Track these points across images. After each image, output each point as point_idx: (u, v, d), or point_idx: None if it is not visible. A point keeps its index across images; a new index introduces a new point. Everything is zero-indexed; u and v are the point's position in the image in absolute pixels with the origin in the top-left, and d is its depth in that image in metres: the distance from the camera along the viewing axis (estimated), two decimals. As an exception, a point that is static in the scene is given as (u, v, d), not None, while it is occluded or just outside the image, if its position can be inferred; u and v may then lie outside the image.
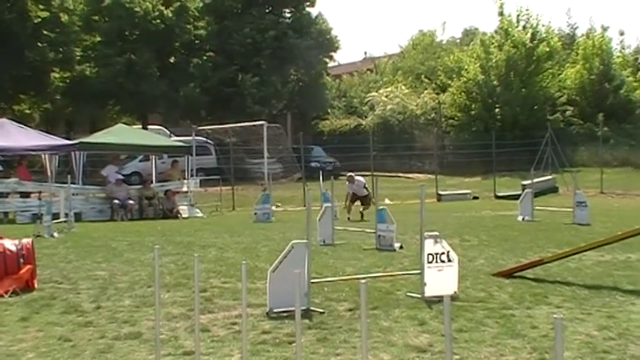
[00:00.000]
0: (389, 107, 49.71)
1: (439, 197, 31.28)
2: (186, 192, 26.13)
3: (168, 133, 41.68)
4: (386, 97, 50.71)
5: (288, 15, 50.03)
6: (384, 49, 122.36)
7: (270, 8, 48.61)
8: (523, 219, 20.60)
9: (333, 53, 53.65)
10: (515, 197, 24.97)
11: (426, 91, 51.99)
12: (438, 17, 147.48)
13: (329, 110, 54.30)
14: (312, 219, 9.36)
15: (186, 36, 46.12)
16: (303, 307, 8.38)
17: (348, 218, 21.65)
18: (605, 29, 54.26)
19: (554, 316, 3.81)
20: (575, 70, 51.00)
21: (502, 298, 9.30)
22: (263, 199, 22.36)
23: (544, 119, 42.92)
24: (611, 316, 8.30)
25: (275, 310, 8.34)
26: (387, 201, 27.22)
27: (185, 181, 26.63)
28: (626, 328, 7.73)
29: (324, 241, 15.17)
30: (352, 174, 23.70)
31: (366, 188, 23.04)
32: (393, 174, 41.20)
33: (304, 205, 18.72)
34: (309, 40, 48.28)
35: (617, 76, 49.81)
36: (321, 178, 24.10)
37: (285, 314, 8.14)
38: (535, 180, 25.42)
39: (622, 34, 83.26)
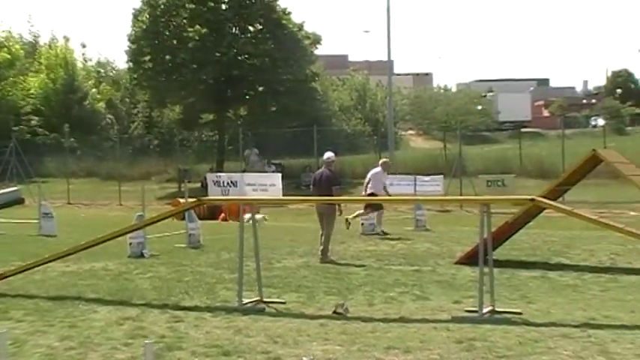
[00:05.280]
0: None
1: None
2: None
3: None
4: None
5: None
6: None
7: None
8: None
9: None
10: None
11: None
12: None
13: None
14: None
15: None
16: None
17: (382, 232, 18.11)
18: (67, 40, 54.84)
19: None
20: (39, 80, 50.57)
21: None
22: None
23: (9, 129, 41.57)
24: (73, 325, 8.31)
25: None
26: None
27: None
28: (87, 336, 7.80)
29: None
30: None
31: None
32: None
33: None
34: None
35: (82, 88, 50.78)
36: None
37: None
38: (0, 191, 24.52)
39: (84, 46, 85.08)
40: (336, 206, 14.22)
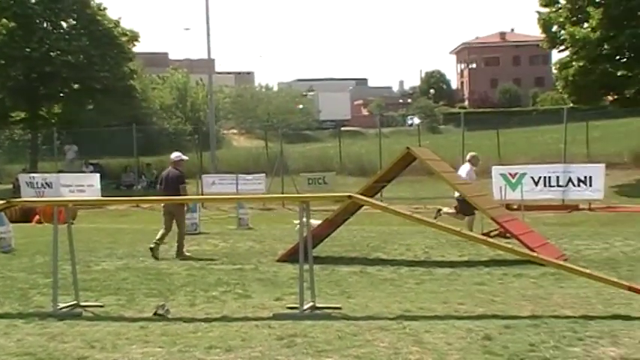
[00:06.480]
0: None
1: None
2: None
3: None
4: None
5: None
6: None
7: None
8: None
9: None
10: None
11: None
12: None
13: None
14: None
15: None
16: None
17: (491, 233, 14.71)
18: None
19: None
20: None
21: None
22: None
23: None
24: None
25: None
26: None
27: None
28: None
29: None
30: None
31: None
32: None
33: None
34: None
35: None
36: None
37: None
38: None
39: None
40: (184, 204, 14.53)
